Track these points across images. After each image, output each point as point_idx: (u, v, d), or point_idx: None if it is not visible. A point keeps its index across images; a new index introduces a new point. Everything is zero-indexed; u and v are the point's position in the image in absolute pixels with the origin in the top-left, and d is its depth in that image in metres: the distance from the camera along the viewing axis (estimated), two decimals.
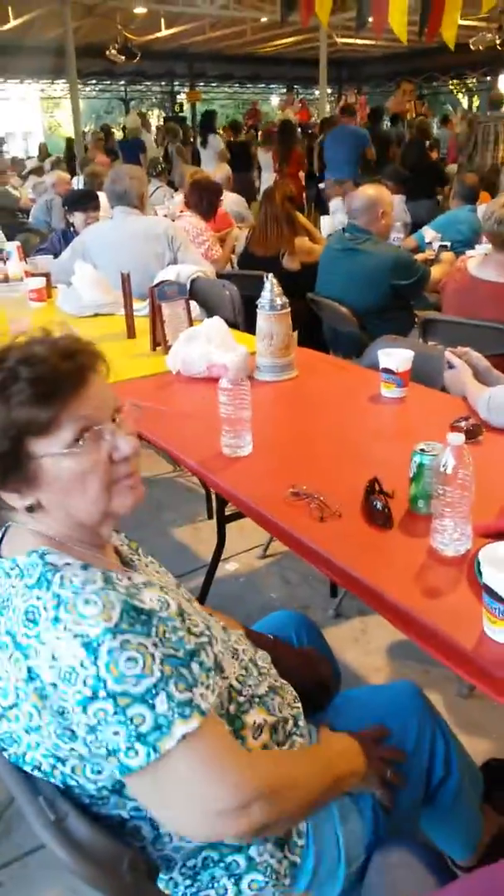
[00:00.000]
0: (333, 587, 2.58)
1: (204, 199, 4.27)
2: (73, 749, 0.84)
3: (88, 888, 1.57)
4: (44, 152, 12.92)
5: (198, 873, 0.99)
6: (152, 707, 0.82)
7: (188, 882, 0.99)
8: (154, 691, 0.82)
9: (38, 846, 1.70)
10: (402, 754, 1.14)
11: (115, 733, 0.81)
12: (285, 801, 0.93)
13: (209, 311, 3.01)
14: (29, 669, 0.83)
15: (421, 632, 1.13)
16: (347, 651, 2.28)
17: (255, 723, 1.04)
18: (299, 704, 1.17)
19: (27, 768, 0.89)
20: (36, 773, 0.89)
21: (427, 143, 8.13)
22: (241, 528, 2.74)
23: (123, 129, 12.25)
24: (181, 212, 4.36)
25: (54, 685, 0.82)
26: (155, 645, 0.84)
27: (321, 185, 7.52)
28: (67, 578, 0.86)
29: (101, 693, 0.80)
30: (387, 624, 2.34)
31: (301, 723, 1.14)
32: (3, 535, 1.00)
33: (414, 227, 5.04)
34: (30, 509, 0.93)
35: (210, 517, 3.10)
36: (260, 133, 10.77)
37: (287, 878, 1.02)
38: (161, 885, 1.00)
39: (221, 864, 0.99)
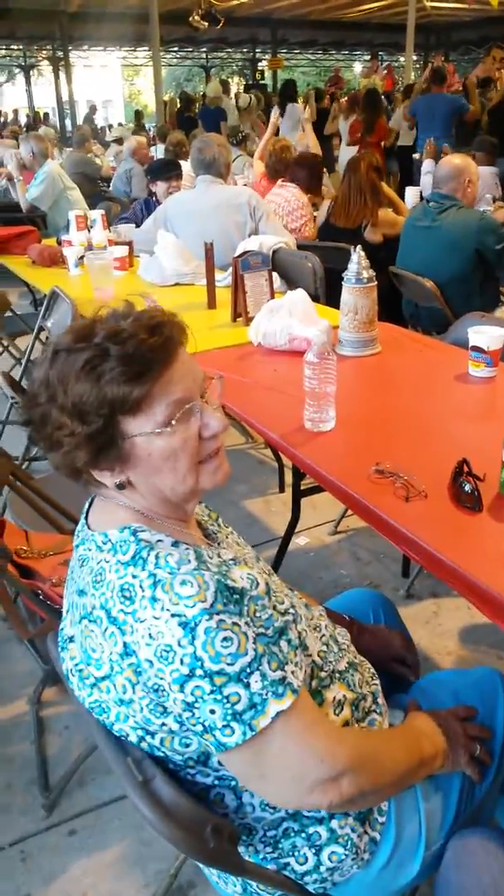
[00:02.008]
0: (405, 566, 2.55)
1: (309, 174, 4.27)
2: (164, 724, 0.86)
3: (157, 843, 1.62)
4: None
5: (279, 841, 1.00)
6: (247, 686, 0.83)
7: (269, 849, 1.01)
8: (249, 670, 0.83)
9: (113, 799, 1.77)
10: (489, 732, 1.13)
11: (212, 711, 0.83)
12: (373, 776, 0.94)
13: (290, 282, 2.98)
14: (125, 645, 0.85)
15: None
16: (417, 632, 2.25)
17: (335, 698, 1.04)
18: (377, 682, 1.17)
19: (116, 735, 0.91)
20: (125, 740, 0.91)
21: None
22: (312, 503, 2.73)
23: (203, 96, 12.15)
24: (280, 184, 4.31)
25: (150, 662, 0.83)
26: (248, 624, 0.85)
27: (415, 156, 7.21)
28: (163, 557, 0.87)
29: (198, 671, 0.81)
30: (460, 607, 2.35)
31: (380, 700, 1.13)
32: (89, 506, 1.02)
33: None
34: (120, 487, 0.93)
35: (282, 490, 3.10)
36: (343, 100, 10.45)
37: (366, 854, 1.03)
38: (241, 850, 1.01)
39: (303, 835, 1.00)
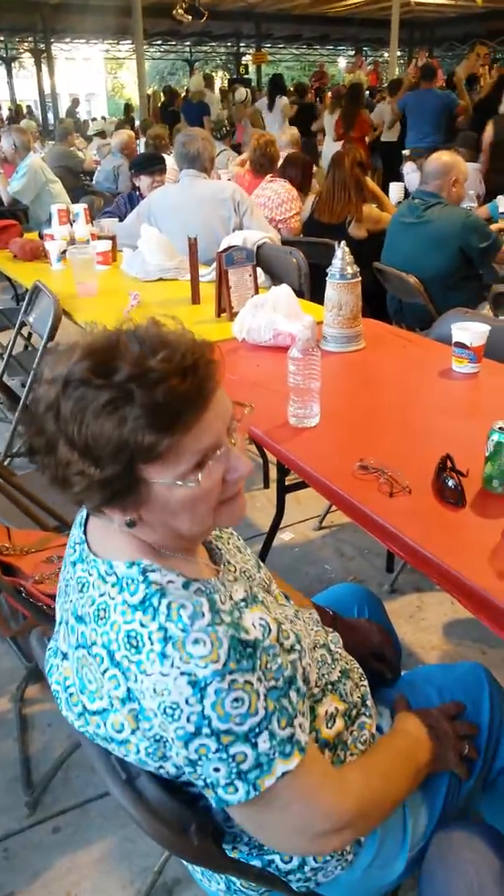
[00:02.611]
0: (389, 562, 2.56)
1: (301, 173, 4.30)
2: (161, 767, 0.85)
3: (143, 840, 1.61)
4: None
5: (263, 845, 1.00)
6: (255, 746, 0.80)
7: (254, 849, 1.00)
8: (258, 730, 0.80)
9: (96, 796, 1.76)
10: (477, 728, 1.14)
11: (216, 769, 0.80)
12: (377, 817, 0.95)
13: (274, 278, 2.97)
14: (129, 690, 0.81)
15: (492, 613, 1.10)
16: (401, 627, 2.26)
17: (327, 712, 1.03)
18: (366, 682, 1.16)
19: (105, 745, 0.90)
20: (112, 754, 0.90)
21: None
22: (297, 498, 2.74)
23: (186, 91, 12.09)
24: (269, 179, 4.32)
25: (154, 713, 0.80)
26: (259, 680, 0.81)
27: (405, 152, 7.20)
28: (175, 610, 0.81)
29: (205, 730, 0.78)
30: (444, 602, 2.36)
31: (368, 702, 1.13)
32: (87, 516, 0.95)
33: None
34: (129, 524, 0.86)
35: (266, 486, 3.10)
36: (327, 95, 10.43)
37: (350, 855, 1.03)
38: (226, 848, 1.01)
39: None
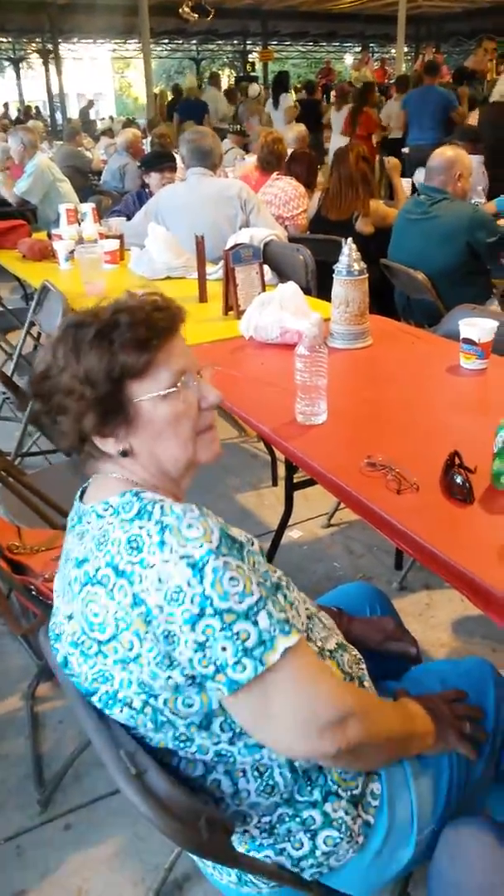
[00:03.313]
0: (398, 559, 2.56)
1: (307, 168, 4.33)
2: (169, 678, 0.87)
3: (154, 837, 1.62)
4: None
5: (274, 827, 1.01)
6: (256, 623, 0.87)
7: (265, 836, 1.01)
8: (256, 609, 0.87)
9: (107, 793, 1.77)
10: (479, 710, 1.15)
11: (223, 649, 0.85)
12: (374, 725, 0.97)
13: (281, 275, 2.97)
14: (134, 595, 0.87)
15: (502, 610, 1.10)
16: (411, 624, 2.24)
17: None
18: (364, 666, 1.18)
19: (118, 708, 0.91)
20: (126, 711, 0.91)
21: None
22: (305, 496, 2.73)
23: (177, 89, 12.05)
24: (276, 177, 4.31)
25: (161, 608, 0.85)
26: (250, 569, 0.89)
27: (404, 150, 7.21)
28: (167, 506, 0.91)
29: (209, 610, 0.84)
30: (453, 600, 2.36)
31: (366, 683, 1.15)
32: (82, 492, 1.04)
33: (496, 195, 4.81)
34: (123, 454, 0.98)
35: (274, 484, 3.10)
36: (333, 92, 10.40)
37: (360, 837, 1.03)
38: (236, 839, 1.02)
39: (297, 819, 1.01)
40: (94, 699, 0.94)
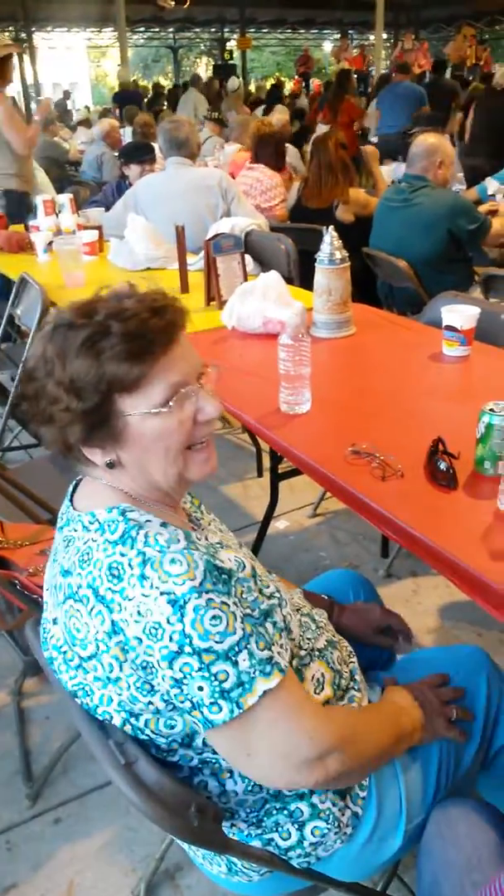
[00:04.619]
0: (384, 547, 2.57)
1: (273, 150, 4.19)
2: (150, 703, 0.86)
3: (143, 829, 1.62)
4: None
5: (262, 820, 1.01)
6: (235, 664, 0.84)
7: (253, 827, 1.02)
8: (237, 648, 0.84)
9: (96, 786, 1.77)
10: (462, 691, 1.15)
11: (200, 688, 0.83)
12: (357, 753, 0.95)
13: (263, 265, 2.96)
14: (113, 623, 0.84)
15: (487, 594, 1.11)
16: (398, 611, 2.24)
17: (314, 677, 1.05)
18: (355, 660, 1.18)
19: (98, 718, 0.91)
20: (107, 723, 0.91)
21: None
22: (291, 486, 2.74)
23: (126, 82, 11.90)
24: (248, 166, 4.25)
25: (139, 640, 0.83)
26: (235, 604, 0.85)
27: (373, 140, 7.28)
28: (152, 536, 0.86)
29: (187, 649, 0.82)
30: (439, 585, 2.37)
31: (357, 677, 1.15)
32: (74, 488, 1.01)
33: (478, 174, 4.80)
34: (110, 465, 0.93)
35: (260, 475, 3.10)
36: (315, 83, 10.41)
37: (348, 828, 1.04)
38: (226, 831, 1.02)
39: (285, 812, 1.01)
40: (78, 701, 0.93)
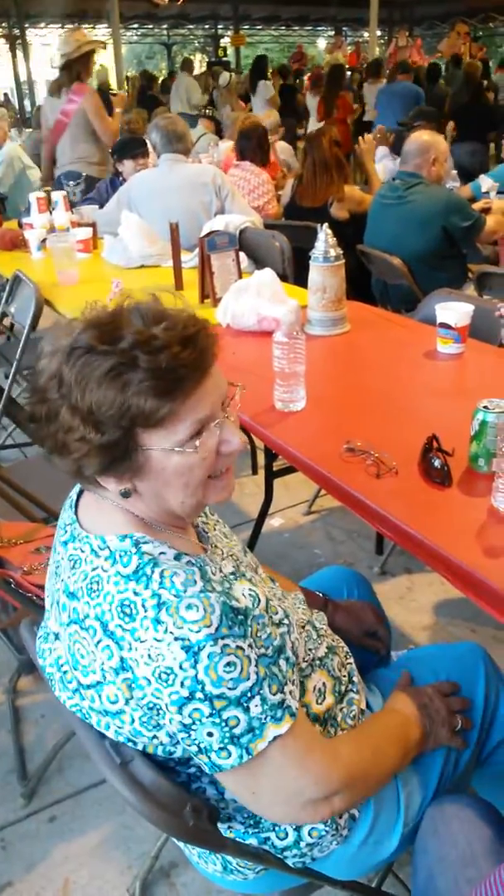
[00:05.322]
0: (379, 544, 2.57)
1: (256, 144, 4.15)
2: (155, 737, 0.85)
3: (139, 826, 1.62)
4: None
5: (259, 821, 1.01)
6: (247, 710, 0.82)
7: (250, 827, 1.01)
8: (250, 694, 0.82)
9: (91, 784, 1.77)
10: (468, 702, 1.15)
11: (209, 734, 0.81)
12: (366, 788, 0.96)
13: (258, 262, 2.96)
14: (122, 660, 0.82)
15: (480, 591, 1.11)
16: (392, 608, 2.28)
17: (315, 687, 1.04)
18: (352, 660, 1.18)
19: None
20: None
21: (484, 83, 7.78)
22: (285, 483, 2.74)
23: (171, 74, 11.88)
24: (235, 164, 4.22)
25: (148, 681, 0.81)
26: (251, 646, 0.83)
27: (367, 135, 7.30)
28: (168, 578, 0.83)
29: (199, 695, 0.80)
30: (434, 582, 2.38)
31: (355, 678, 1.14)
32: (77, 497, 0.97)
33: (461, 171, 4.80)
34: (124, 494, 0.88)
35: (254, 472, 3.10)
36: (307, 77, 10.38)
37: (345, 830, 1.04)
38: (223, 830, 1.02)
39: None
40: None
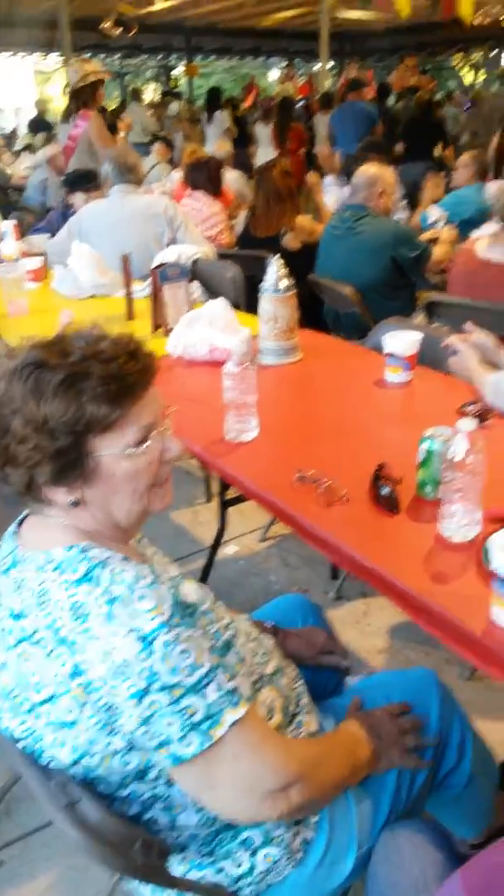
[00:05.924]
0: (334, 570, 2.59)
1: (207, 177, 4.19)
2: (109, 743, 0.85)
3: (90, 867, 1.58)
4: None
5: (213, 850, 1.01)
6: (204, 696, 0.85)
7: (204, 857, 1.01)
8: (205, 681, 0.85)
9: (39, 826, 1.72)
10: (420, 722, 1.16)
11: (169, 724, 0.83)
12: (318, 784, 0.97)
13: (211, 292, 2.98)
14: (75, 665, 0.84)
15: (429, 616, 1.13)
16: (348, 633, 2.29)
17: (265, 702, 1.05)
18: (301, 682, 1.19)
19: (44, 762, 0.89)
20: (53, 764, 0.89)
21: (433, 100, 7.96)
22: (240, 511, 2.74)
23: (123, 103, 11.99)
24: (188, 194, 4.25)
25: (104, 680, 0.83)
26: (202, 636, 0.87)
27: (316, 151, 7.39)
28: (118, 573, 0.87)
29: (156, 685, 0.82)
30: (388, 606, 2.40)
31: (304, 701, 1.16)
32: (19, 524, 0.99)
33: (414, 190, 4.84)
34: (74, 504, 0.93)
35: (208, 500, 3.10)
36: (257, 107, 10.58)
37: (300, 853, 1.04)
38: (176, 862, 1.01)
39: (237, 840, 1.01)
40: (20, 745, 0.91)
